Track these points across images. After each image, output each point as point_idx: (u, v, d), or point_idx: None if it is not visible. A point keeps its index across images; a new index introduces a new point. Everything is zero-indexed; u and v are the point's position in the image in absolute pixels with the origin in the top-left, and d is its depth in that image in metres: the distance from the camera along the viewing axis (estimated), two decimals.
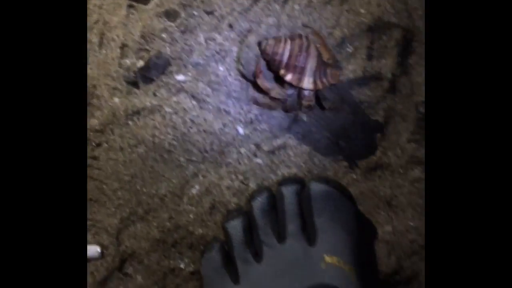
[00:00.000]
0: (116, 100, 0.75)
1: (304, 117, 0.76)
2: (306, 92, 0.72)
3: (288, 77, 0.71)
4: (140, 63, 0.75)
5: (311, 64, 0.71)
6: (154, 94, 0.75)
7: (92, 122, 0.74)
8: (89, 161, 0.73)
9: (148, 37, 0.76)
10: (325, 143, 0.76)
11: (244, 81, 0.76)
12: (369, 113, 0.78)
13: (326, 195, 0.67)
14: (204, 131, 0.74)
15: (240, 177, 0.74)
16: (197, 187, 0.74)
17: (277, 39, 0.73)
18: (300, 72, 0.71)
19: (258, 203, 0.66)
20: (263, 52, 0.73)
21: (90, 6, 0.76)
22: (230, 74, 0.75)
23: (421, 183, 0.76)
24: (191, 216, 0.73)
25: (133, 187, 0.73)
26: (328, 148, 0.75)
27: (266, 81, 0.74)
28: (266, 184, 0.74)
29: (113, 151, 0.74)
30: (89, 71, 0.74)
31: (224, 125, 0.74)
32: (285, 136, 0.75)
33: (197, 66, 0.76)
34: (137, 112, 0.75)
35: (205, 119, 0.74)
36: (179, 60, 0.76)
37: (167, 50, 0.76)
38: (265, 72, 0.75)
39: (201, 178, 0.74)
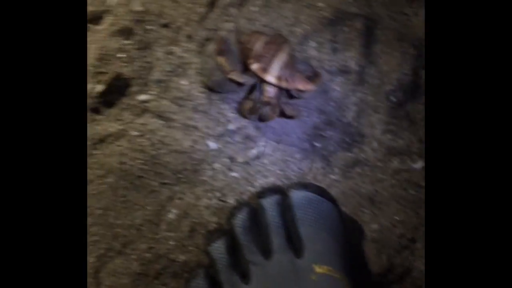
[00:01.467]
0: None
1: (276, 124, 0.73)
2: (268, 88, 0.70)
3: (254, 66, 0.69)
4: (99, 87, 0.71)
5: (280, 58, 0.69)
6: (118, 119, 0.72)
7: None
8: None
9: (104, 59, 0.72)
10: (299, 147, 0.73)
11: (210, 92, 0.72)
12: (341, 109, 0.76)
13: (308, 201, 0.64)
14: (175, 150, 0.71)
15: (218, 194, 0.71)
16: (174, 211, 0.70)
17: (255, 31, 0.71)
18: (267, 63, 0.68)
19: (239, 220, 0.64)
20: (237, 40, 0.72)
21: None
22: (194, 87, 0.72)
23: (401, 174, 0.75)
24: (171, 242, 0.70)
25: (106, 221, 0.69)
26: (303, 151, 0.73)
27: (227, 62, 0.71)
28: (244, 197, 0.71)
29: None
30: None
31: (194, 141, 0.71)
32: (258, 145, 0.73)
33: (159, 83, 0.73)
34: (101, 140, 0.71)
35: (174, 138, 0.71)
36: (140, 79, 0.72)
37: (126, 70, 0.72)
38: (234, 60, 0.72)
39: (177, 201, 0.71)
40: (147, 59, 0.72)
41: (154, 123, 0.71)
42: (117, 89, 0.72)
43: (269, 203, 0.65)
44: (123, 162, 0.71)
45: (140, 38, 0.72)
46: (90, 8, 0.74)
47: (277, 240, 0.63)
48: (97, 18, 0.74)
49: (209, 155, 0.72)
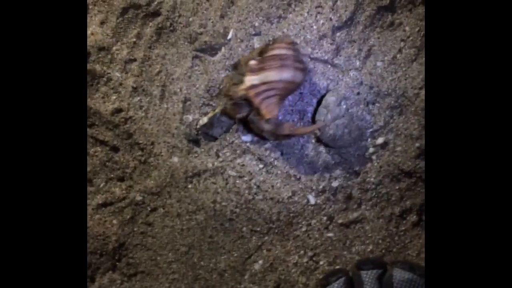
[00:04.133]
0: (175, 159, 0.68)
1: (384, 189, 0.67)
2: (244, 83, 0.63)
3: (252, 62, 0.63)
4: (203, 120, 0.68)
5: (274, 75, 0.62)
6: (217, 155, 0.68)
7: (148, 183, 0.67)
8: (143, 227, 0.66)
9: (213, 92, 0.69)
10: (405, 217, 0.66)
11: (318, 144, 0.67)
12: None
13: (411, 285, 0.57)
14: (271, 198, 0.66)
15: (310, 253, 0.65)
16: (260, 262, 0.65)
17: (293, 43, 0.65)
18: (262, 67, 0.62)
19: None
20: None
21: (152, 56, 0.69)
22: (303, 137, 0.67)
23: None
24: None
25: (190, 260, 0.65)
26: (409, 224, 0.66)
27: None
28: (339, 261, 0.65)
29: (169, 217, 0.66)
30: (147, 127, 0.68)
31: (294, 193, 0.66)
32: (361, 208, 0.67)
33: None
34: (197, 174, 0.67)
35: (272, 185, 0.66)
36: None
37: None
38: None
39: (265, 251, 0.65)
40: None
41: (254, 166, 0.67)
42: (221, 125, 0.68)
43: (369, 277, 0.59)
44: (216, 201, 0.67)
45: None
46: (206, 38, 0.72)
47: None
48: (214, 49, 0.71)
49: (306, 210, 0.66)
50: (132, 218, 0.67)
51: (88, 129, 0.68)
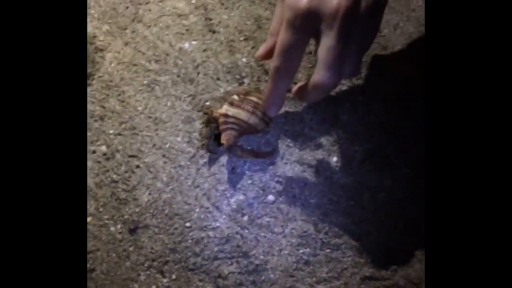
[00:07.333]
0: None
1: None
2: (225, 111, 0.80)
3: (235, 96, 0.80)
4: None
5: (243, 119, 0.78)
6: None
7: (411, 272, 0.78)
8: None
9: None
10: None
11: None
12: None
13: None
14: None
15: None
16: None
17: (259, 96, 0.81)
18: (240, 104, 0.79)
19: None
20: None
21: None
22: None
23: None
24: None
25: None
26: None
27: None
28: None
29: None
30: None
31: None
32: None
33: None
34: None
35: None
36: None
37: None
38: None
39: None
40: None
41: None
42: None
43: None
44: None
45: None
46: None
47: None
48: None
49: None
50: None
51: None
